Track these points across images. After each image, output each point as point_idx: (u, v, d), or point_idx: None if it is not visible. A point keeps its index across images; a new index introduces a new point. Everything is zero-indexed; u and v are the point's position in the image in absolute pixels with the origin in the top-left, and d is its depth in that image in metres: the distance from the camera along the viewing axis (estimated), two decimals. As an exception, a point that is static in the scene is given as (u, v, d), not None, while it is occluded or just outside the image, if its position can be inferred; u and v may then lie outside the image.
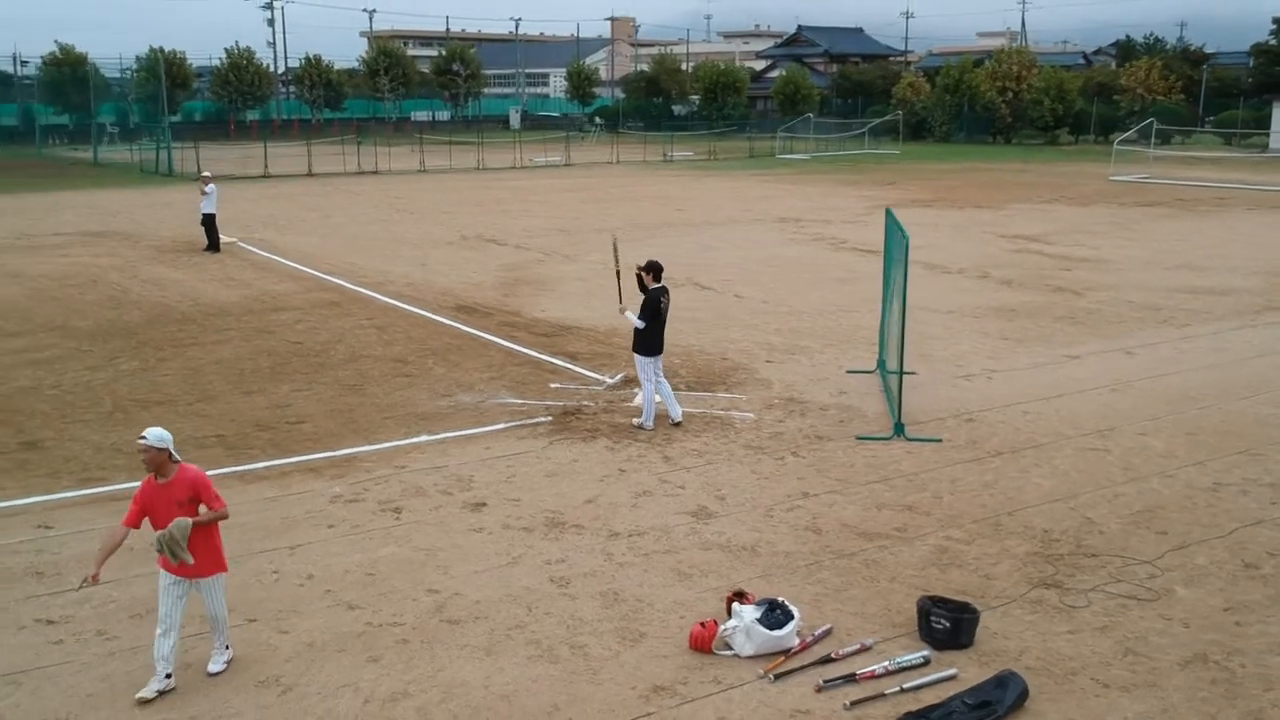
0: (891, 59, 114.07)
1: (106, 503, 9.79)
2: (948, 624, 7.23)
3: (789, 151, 65.66)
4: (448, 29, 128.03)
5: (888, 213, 13.82)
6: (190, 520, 6.61)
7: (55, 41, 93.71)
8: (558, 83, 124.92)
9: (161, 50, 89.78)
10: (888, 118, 71.72)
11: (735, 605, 7.36)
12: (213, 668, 6.93)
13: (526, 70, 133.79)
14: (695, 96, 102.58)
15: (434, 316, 17.90)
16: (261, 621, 7.63)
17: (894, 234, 13.65)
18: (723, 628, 7.24)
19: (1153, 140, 50.75)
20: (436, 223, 30.91)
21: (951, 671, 6.93)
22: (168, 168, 47.68)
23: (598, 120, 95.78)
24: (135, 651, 7.20)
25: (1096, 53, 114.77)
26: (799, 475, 10.52)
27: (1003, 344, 15.98)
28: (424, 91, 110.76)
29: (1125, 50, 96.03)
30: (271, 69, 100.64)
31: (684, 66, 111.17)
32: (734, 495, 10.00)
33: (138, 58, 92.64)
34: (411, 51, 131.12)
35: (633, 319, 11.88)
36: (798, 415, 12.47)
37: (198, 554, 6.65)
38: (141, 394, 13.28)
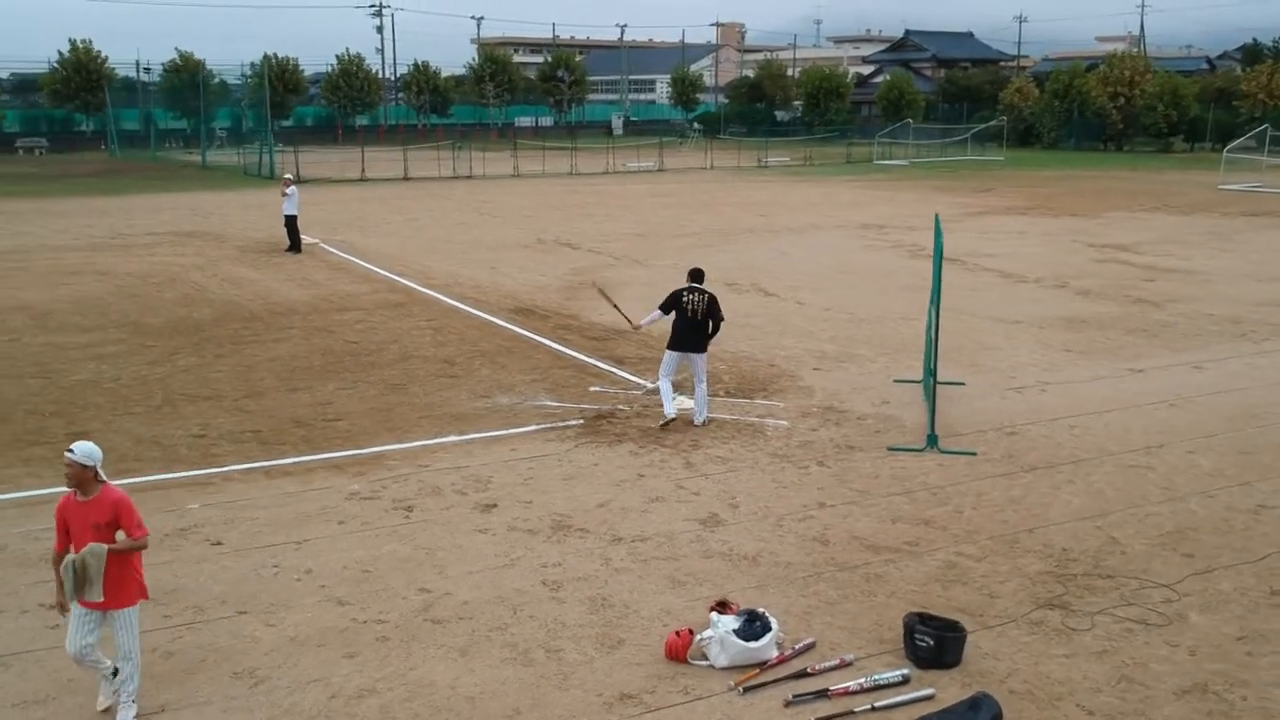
0: (1002, 64, 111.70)
1: (133, 494, 10.02)
2: (932, 642, 7.00)
3: (888, 157, 64.73)
4: (554, 36, 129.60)
5: (936, 218, 13.48)
6: (105, 547, 6.12)
7: (176, 49, 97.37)
8: (664, 89, 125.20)
9: (275, 56, 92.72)
10: (991, 123, 70.13)
11: (713, 615, 7.23)
12: None
13: (633, 76, 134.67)
14: (798, 102, 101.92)
15: (491, 318, 18.05)
16: (251, 614, 7.75)
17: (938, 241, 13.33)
18: (699, 637, 7.13)
19: (1266, 148, 48.62)
20: (517, 226, 31.21)
21: (928, 691, 6.70)
22: (269, 171, 49.05)
23: (696, 126, 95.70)
24: (125, 639, 7.35)
25: (1221, 57, 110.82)
26: (820, 485, 10.31)
27: (1065, 356, 15.46)
28: (529, 98, 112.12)
29: (1251, 54, 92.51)
30: (380, 75, 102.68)
31: (790, 72, 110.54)
32: (748, 503, 9.84)
33: (252, 64, 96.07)
34: (519, 58, 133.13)
35: (651, 316, 12.36)
36: (833, 424, 12.23)
37: (110, 584, 6.14)
38: (192, 389, 13.64)
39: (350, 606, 7.86)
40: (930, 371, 13.71)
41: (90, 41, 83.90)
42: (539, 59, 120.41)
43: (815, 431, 11.97)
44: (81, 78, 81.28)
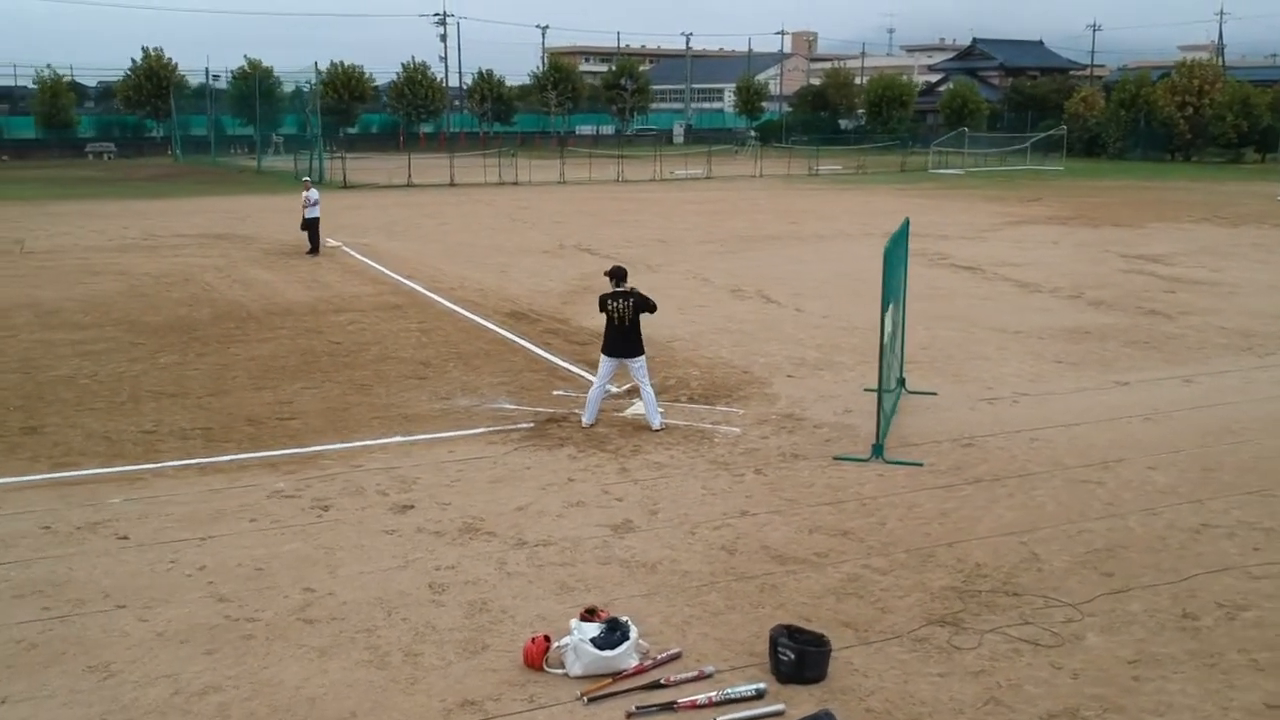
0: (1072, 72, 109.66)
1: (62, 487, 10.17)
2: (793, 655, 6.75)
3: (944, 166, 63.81)
4: (619, 44, 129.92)
5: (905, 221, 13.16)
6: None
7: (244, 57, 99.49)
8: (731, 97, 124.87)
9: (342, 64, 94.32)
10: (1051, 133, 68.79)
11: (574, 622, 7.06)
12: None
13: (701, 85, 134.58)
14: (862, 110, 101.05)
15: (482, 321, 18.03)
16: (129, 608, 7.74)
17: (899, 244, 13.04)
18: (556, 645, 6.96)
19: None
20: (544, 232, 31.24)
21: (778, 707, 6.46)
22: (319, 176, 49.74)
23: (752, 134, 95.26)
24: (4, 627, 7.38)
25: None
26: (748, 494, 10.07)
27: (1054, 367, 15.01)
28: (592, 106, 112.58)
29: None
30: (444, 84, 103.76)
31: (857, 80, 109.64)
32: (668, 510, 9.64)
33: (318, 72, 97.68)
34: (586, 67, 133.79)
35: None
36: (786, 432, 11.98)
37: None
38: (161, 386, 13.79)
39: (229, 604, 7.82)
40: (902, 380, 13.41)
41: (161, 50, 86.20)
42: (605, 68, 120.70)
43: (765, 439, 11.73)
44: (152, 85, 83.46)
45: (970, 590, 8.09)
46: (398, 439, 11.66)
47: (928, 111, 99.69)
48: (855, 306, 19.53)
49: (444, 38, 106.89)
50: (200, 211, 36.64)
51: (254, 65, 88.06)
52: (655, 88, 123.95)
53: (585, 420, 12.08)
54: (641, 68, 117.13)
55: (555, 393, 13.56)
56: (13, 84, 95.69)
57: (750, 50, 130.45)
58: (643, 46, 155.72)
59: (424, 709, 6.49)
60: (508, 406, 12.92)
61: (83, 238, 29.54)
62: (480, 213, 36.90)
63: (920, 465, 10.86)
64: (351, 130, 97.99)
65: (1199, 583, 8.23)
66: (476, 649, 7.18)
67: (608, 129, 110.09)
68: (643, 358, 12.12)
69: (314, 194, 25.88)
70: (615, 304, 11.92)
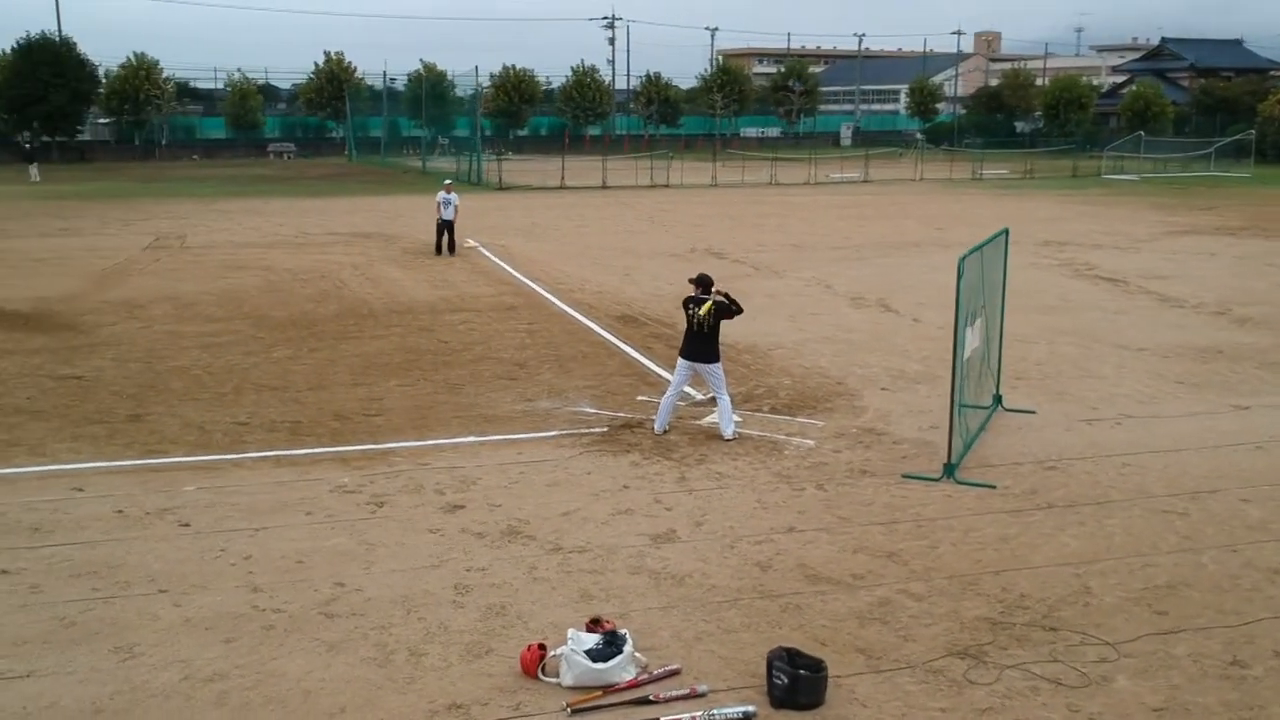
0: (1271, 73, 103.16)
1: (146, 474, 10.72)
2: (786, 680, 6.57)
3: (1118, 172, 60.99)
4: (788, 46, 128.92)
5: (1005, 232, 12.65)
6: None
7: (420, 60, 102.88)
8: (906, 99, 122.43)
9: (513, 68, 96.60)
10: (1238, 137, 64.89)
11: (570, 631, 7.03)
12: None
13: (876, 87, 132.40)
14: (1039, 113, 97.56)
15: (590, 324, 18.17)
16: (170, 593, 8.09)
17: (996, 253, 12.54)
18: (552, 654, 6.94)
19: None
20: (678, 235, 31.27)
21: (760, 732, 6.29)
22: (476, 177, 51.07)
23: (919, 136, 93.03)
24: (51, 605, 7.83)
25: None
26: (802, 509, 9.84)
27: (1172, 388, 14.16)
28: (760, 108, 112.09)
29: None
30: (611, 86, 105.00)
31: (1039, 82, 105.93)
32: (714, 522, 9.51)
33: (492, 75, 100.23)
34: (760, 69, 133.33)
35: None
36: (863, 447, 11.66)
37: None
38: (266, 379, 14.37)
39: (260, 594, 8.09)
40: (999, 398, 12.89)
41: (342, 54, 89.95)
42: (777, 69, 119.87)
43: (838, 454, 11.44)
44: (333, 87, 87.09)
45: (1005, 622, 7.70)
46: (471, 439, 11.85)
47: (1110, 114, 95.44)
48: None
49: (612, 41, 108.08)
50: (358, 210, 38.07)
51: (429, 69, 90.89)
52: (827, 89, 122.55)
53: (657, 427, 12.03)
54: (814, 69, 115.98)
55: (639, 398, 13.55)
56: (213, 87, 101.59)
57: (926, 50, 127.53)
58: (818, 47, 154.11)
59: (411, 709, 6.57)
60: (588, 410, 12.97)
61: (239, 234, 31.09)
62: (622, 215, 37.20)
63: (993, 487, 10.41)
64: (521, 132, 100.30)
65: (1262, 628, 7.62)
66: (480, 653, 7.23)
67: (773, 131, 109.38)
68: (718, 365, 12.00)
69: (452, 196, 26.51)
70: (694, 309, 11.85)
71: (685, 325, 11.97)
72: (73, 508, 9.77)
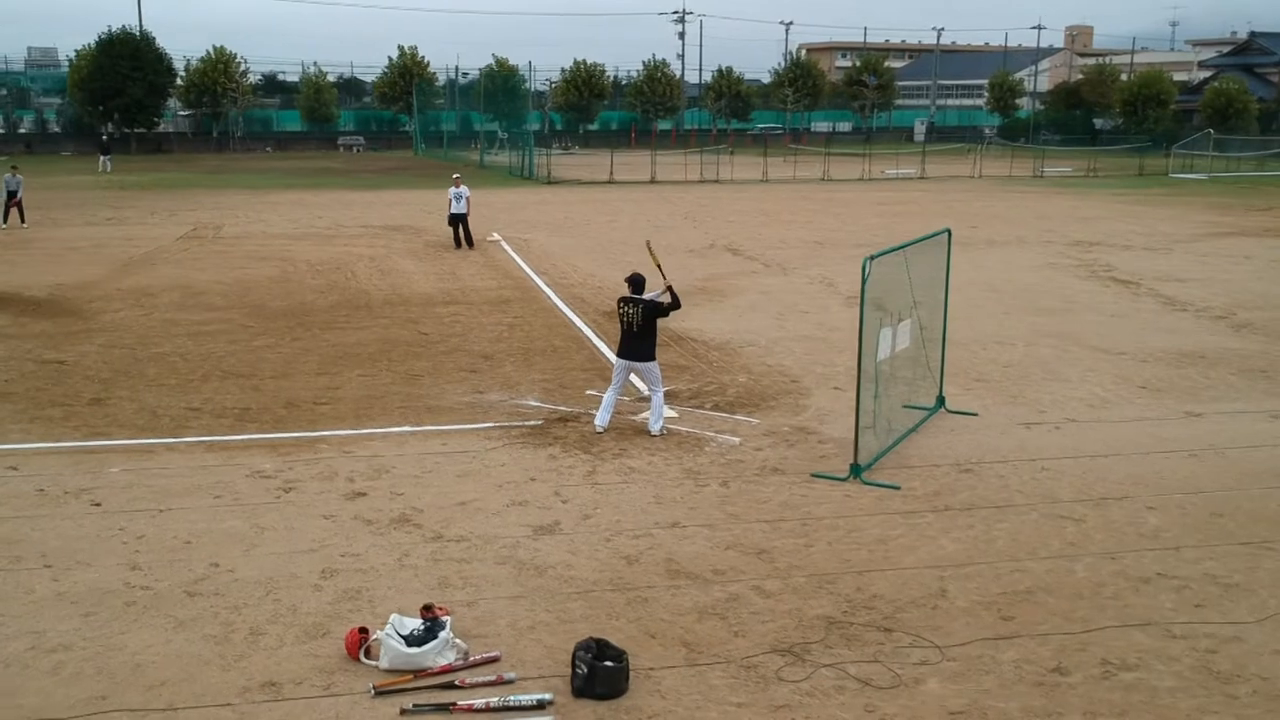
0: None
1: (81, 455, 11.19)
2: (585, 670, 6.72)
3: (1188, 170, 59.42)
4: (864, 40, 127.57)
5: (948, 234, 12.58)
6: None
7: (492, 55, 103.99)
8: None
9: (584, 62, 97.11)
10: (1316, 135, 62.75)
11: (393, 616, 7.27)
12: None
13: (958, 82, 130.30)
14: (1116, 109, 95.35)
15: (573, 318, 18.39)
16: (54, 568, 8.50)
17: (933, 259, 12.48)
18: (374, 637, 7.18)
19: None
20: (705, 231, 31.33)
21: (548, 719, 6.46)
22: (528, 171, 51.58)
23: (986, 132, 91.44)
24: (-63, 578, 8.28)
25: None
26: (694, 505, 9.95)
27: (1134, 393, 13.93)
28: (836, 103, 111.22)
29: None
30: (681, 81, 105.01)
31: (1124, 77, 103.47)
32: (602, 516, 9.67)
33: (562, 69, 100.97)
34: (842, 63, 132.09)
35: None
36: (786, 445, 11.71)
37: None
38: (236, 368, 14.84)
39: (137, 572, 8.45)
40: (942, 399, 12.82)
41: (416, 48, 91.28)
42: (857, 64, 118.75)
43: (759, 451, 11.51)
44: (406, 82, 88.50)
45: (844, 621, 7.75)
46: (404, 429, 12.15)
47: (1192, 110, 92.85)
48: (965, 317, 18.66)
49: (682, 35, 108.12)
50: (401, 203, 38.75)
51: (501, 63, 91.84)
52: (907, 84, 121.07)
53: (597, 423, 12.17)
54: (893, 64, 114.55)
55: (588, 392, 13.73)
56: (297, 80, 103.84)
57: (1008, 46, 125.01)
58: (903, 41, 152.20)
59: (227, 685, 6.85)
60: (532, 403, 13.19)
61: (276, 225, 31.89)
62: (656, 210, 37.33)
63: (897, 489, 10.40)
64: (591, 127, 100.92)
65: (1103, 636, 7.57)
66: (317, 635, 7.49)
67: (845, 126, 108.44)
68: (654, 363, 12.13)
69: (462, 190, 26.91)
70: (625, 309, 12.01)
71: (621, 325, 12.05)
72: (0, 485, 10.26)
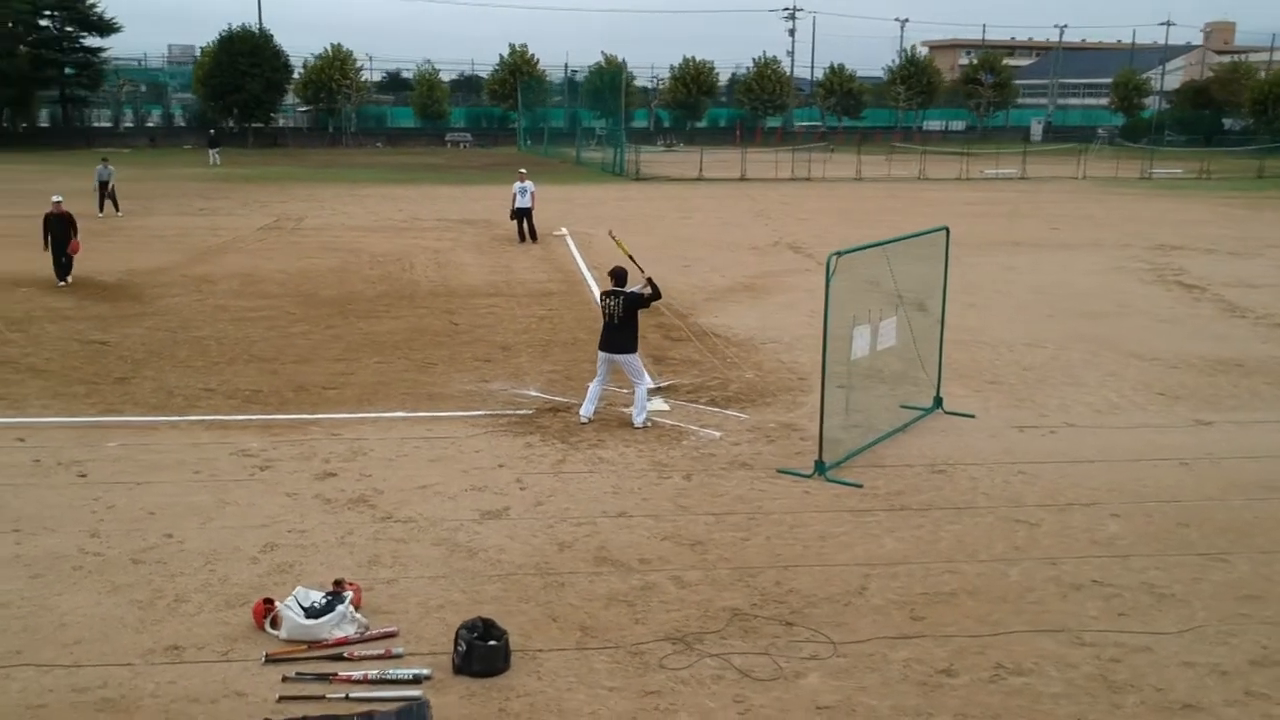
0: None
1: (87, 430, 11.80)
2: (464, 647, 6.91)
3: (1314, 173, 56.68)
4: (983, 37, 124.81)
5: (940, 229, 12.41)
6: None
7: (601, 53, 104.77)
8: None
9: (693, 59, 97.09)
10: None
11: (297, 588, 7.56)
12: None
13: (1084, 80, 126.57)
14: (1245, 108, 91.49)
15: (606, 313, 18.53)
16: (20, 533, 9.02)
17: (930, 258, 12.33)
18: (279, 606, 7.48)
19: None
20: (774, 229, 31.21)
21: (415, 693, 6.66)
22: (619, 168, 51.94)
23: (1100, 133, 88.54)
24: (-85, 538, 8.87)
25: None
26: (648, 496, 10.04)
27: (1149, 399, 13.53)
28: (954, 101, 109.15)
29: None
30: (790, 78, 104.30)
31: (1262, 75, 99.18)
32: (554, 504, 9.83)
33: (671, 67, 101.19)
34: (964, 62, 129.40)
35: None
36: (766, 441, 11.71)
37: None
38: (263, 352, 15.41)
39: (95, 539, 8.92)
40: (940, 399, 12.66)
41: (526, 45, 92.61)
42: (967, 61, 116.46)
43: (736, 446, 11.54)
44: (515, 79, 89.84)
45: (749, 614, 7.78)
46: (397, 414, 12.49)
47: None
48: (1010, 319, 18.32)
49: (792, 32, 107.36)
50: (485, 198, 39.45)
51: (610, 61, 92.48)
52: (1028, 83, 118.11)
53: (582, 412, 12.35)
54: (1018, 62, 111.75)
55: (588, 385, 13.86)
56: (412, 78, 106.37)
57: (1135, 43, 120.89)
58: (1030, 39, 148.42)
59: (134, 646, 7.22)
60: (530, 394, 13.42)
61: (357, 218, 32.81)
62: (733, 208, 37.27)
63: (860, 487, 10.33)
64: (700, 124, 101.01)
65: (1008, 640, 7.45)
66: (235, 604, 7.83)
67: (958, 125, 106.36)
68: (634, 355, 12.25)
69: (528, 184, 27.31)
70: (608, 301, 12.16)
71: (604, 318, 12.20)
72: (4, 457, 10.89)
